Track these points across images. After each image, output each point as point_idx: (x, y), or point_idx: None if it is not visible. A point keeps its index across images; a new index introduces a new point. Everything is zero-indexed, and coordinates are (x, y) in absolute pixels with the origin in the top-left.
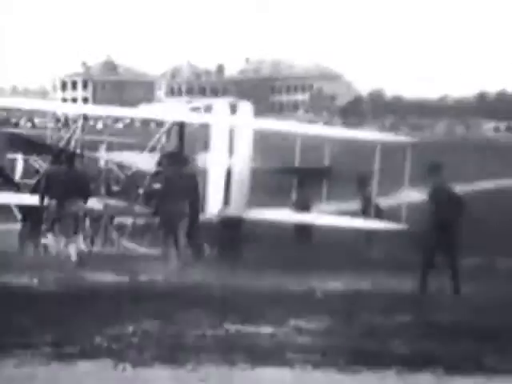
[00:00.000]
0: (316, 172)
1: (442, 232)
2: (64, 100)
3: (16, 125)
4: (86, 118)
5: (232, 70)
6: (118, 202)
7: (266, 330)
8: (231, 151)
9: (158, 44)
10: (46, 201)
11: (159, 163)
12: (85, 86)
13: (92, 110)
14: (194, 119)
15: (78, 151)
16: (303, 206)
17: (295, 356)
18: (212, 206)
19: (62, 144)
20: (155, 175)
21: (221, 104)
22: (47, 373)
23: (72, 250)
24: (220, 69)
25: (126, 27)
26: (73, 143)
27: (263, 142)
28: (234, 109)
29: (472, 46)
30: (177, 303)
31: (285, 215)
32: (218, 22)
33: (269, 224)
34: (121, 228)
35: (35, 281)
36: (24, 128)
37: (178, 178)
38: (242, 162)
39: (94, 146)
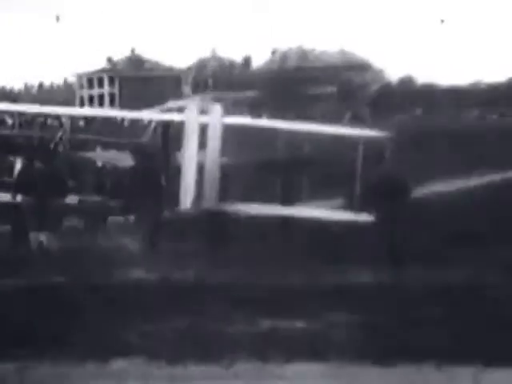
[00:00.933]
0: (297, 163)
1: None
2: (91, 97)
3: (44, 123)
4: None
5: (259, 62)
6: (93, 198)
7: (300, 324)
8: (203, 148)
9: (183, 37)
10: (20, 198)
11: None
12: (111, 81)
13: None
14: (165, 118)
15: (62, 149)
16: (288, 199)
17: (330, 350)
18: (184, 201)
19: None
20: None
21: (192, 105)
22: (82, 371)
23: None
24: (246, 61)
25: (152, 21)
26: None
27: (255, 138)
28: (205, 109)
29: (503, 30)
30: (210, 300)
31: (270, 209)
32: (244, 14)
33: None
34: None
35: (64, 279)
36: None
37: (143, 172)
38: (213, 157)
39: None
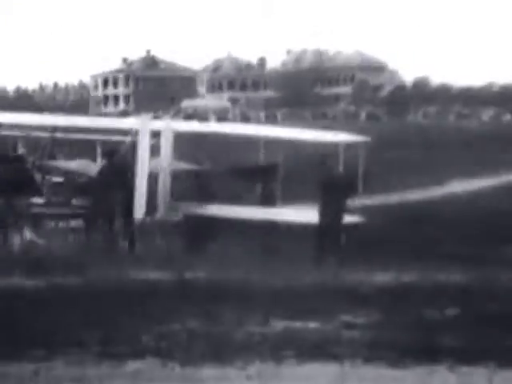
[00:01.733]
0: (262, 170)
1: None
2: (105, 97)
3: None
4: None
5: (274, 63)
6: (58, 198)
7: (314, 325)
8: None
9: (199, 38)
10: None
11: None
12: (126, 82)
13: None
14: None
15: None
16: (268, 202)
17: (344, 351)
18: (138, 210)
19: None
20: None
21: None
22: (97, 372)
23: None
24: (261, 62)
25: (167, 22)
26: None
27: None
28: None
29: None
30: (223, 300)
31: (249, 212)
32: (259, 15)
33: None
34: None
35: (82, 280)
36: None
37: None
38: (164, 166)
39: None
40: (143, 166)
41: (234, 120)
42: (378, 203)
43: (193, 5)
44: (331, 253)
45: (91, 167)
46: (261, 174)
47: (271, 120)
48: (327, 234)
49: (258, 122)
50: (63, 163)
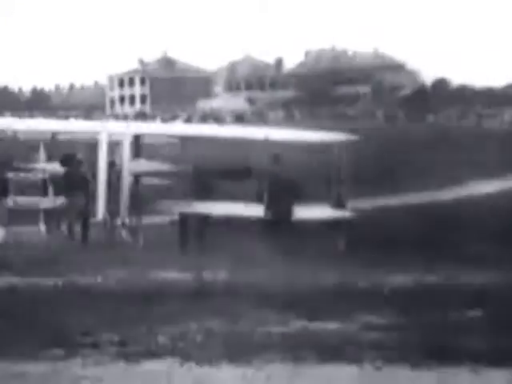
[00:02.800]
0: (235, 173)
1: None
2: (122, 97)
3: None
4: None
5: (291, 63)
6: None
7: (333, 326)
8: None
9: (215, 38)
10: None
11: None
12: (142, 82)
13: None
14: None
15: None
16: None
17: (364, 352)
18: (99, 212)
19: None
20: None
21: (104, 123)
22: (114, 372)
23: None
24: (279, 62)
25: (183, 23)
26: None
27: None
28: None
29: None
30: (242, 300)
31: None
32: (276, 15)
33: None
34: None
35: (99, 279)
36: None
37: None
38: (123, 168)
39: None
40: (101, 173)
41: (252, 120)
42: (397, 203)
43: (210, 5)
44: (280, 247)
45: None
46: (239, 174)
47: (289, 120)
48: (275, 228)
49: (276, 121)
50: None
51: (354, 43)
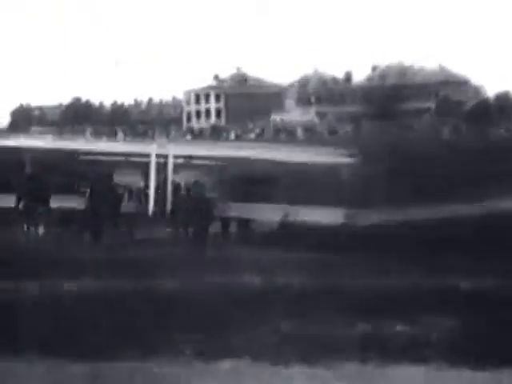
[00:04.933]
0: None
1: None
2: (198, 112)
3: (152, 136)
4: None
5: (360, 78)
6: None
7: (399, 327)
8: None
9: (286, 54)
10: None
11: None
12: (217, 98)
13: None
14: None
15: None
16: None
17: (430, 353)
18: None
19: None
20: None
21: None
22: (190, 372)
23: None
24: (348, 76)
25: (256, 41)
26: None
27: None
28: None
29: None
30: (311, 303)
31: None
32: (345, 30)
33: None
34: None
35: (176, 283)
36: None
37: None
38: (168, 180)
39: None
40: (152, 180)
41: (322, 133)
42: (460, 214)
43: (281, 22)
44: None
45: (138, 181)
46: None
47: (357, 133)
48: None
49: (345, 134)
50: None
51: (420, 59)
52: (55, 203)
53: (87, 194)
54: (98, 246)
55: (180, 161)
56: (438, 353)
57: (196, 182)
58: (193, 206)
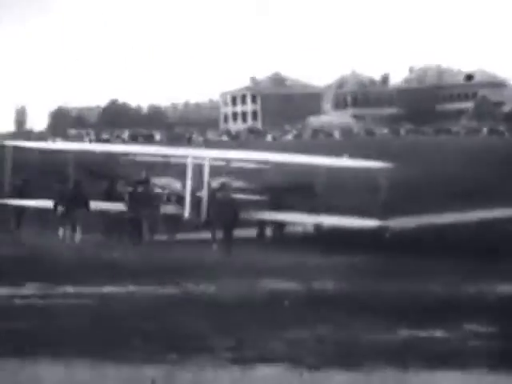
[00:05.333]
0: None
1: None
2: (234, 114)
3: (189, 139)
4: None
5: (397, 79)
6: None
7: (440, 333)
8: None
9: (324, 55)
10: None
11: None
12: (254, 99)
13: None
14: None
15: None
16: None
17: (470, 360)
18: (186, 213)
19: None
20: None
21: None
22: (228, 377)
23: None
24: (385, 79)
25: (293, 42)
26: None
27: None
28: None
29: None
30: (350, 308)
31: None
32: (383, 31)
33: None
34: None
35: (213, 288)
36: (196, 143)
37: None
38: (204, 185)
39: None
40: (188, 186)
41: (358, 136)
42: (499, 217)
43: (318, 23)
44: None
45: (175, 184)
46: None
47: (395, 135)
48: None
49: (382, 137)
50: (157, 180)
51: (457, 60)
52: (95, 206)
53: (126, 197)
54: (137, 249)
55: (216, 164)
56: (477, 359)
57: (223, 184)
58: (219, 209)
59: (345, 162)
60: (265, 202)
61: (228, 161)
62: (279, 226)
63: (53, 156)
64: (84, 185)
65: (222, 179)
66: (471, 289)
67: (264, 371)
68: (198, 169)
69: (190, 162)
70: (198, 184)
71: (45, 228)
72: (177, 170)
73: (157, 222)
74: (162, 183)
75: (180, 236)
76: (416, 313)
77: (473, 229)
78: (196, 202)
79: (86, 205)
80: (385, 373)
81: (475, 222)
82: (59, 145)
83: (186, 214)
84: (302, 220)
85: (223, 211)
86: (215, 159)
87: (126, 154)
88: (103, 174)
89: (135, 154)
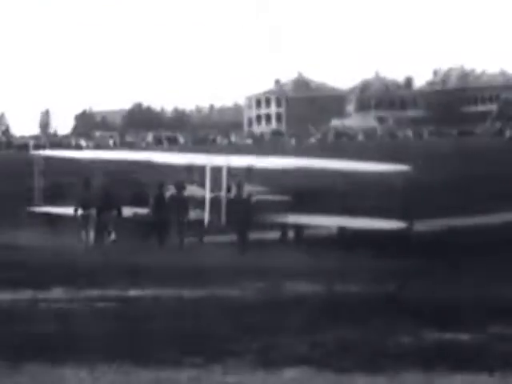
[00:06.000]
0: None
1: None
2: (258, 116)
3: (213, 141)
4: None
5: (420, 82)
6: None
7: (464, 336)
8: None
9: (347, 58)
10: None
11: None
12: (278, 102)
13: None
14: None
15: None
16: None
17: (495, 362)
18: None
19: None
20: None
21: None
22: (253, 380)
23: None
24: (408, 81)
25: (317, 45)
26: None
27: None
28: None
29: None
30: (372, 311)
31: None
32: (407, 34)
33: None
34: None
35: (238, 290)
36: (219, 145)
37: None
38: (222, 189)
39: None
40: (207, 190)
41: (382, 138)
42: None
43: (342, 26)
44: None
45: (199, 191)
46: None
47: (418, 138)
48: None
49: (406, 139)
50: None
51: (481, 63)
52: (123, 211)
53: (151, 202)
54: (163, 253)
55: (237, 170)
56: (502, 362)
57: (239, 183)
58: (233, 209)
59: (367, 166)
60: (288, 203)
61: (250, 168)
62: (302, 228)
63: (81, 163)
64: (114, 190)
65: (238, 180)
66: (496, 291)
67: (289, 374)
68: (220, 171)
69: (208, 167)
70: (218, 187)
71: (74, 232)
72: (202, 175)
73: (183, 225)
74: (190, 189)
75: (206, 239)
76: (441, 315)
77: (497, 231)
78: (217, 206)
79: (118, 209)
80: (409, 376)
81: (500, 223)
82: (88, 153)
83: (206, 218)
84: (325, 222)
85: (237, 211)
86: (235, 168)
87: (150, 161)
88: (130, 181)
89: (158, 162)
